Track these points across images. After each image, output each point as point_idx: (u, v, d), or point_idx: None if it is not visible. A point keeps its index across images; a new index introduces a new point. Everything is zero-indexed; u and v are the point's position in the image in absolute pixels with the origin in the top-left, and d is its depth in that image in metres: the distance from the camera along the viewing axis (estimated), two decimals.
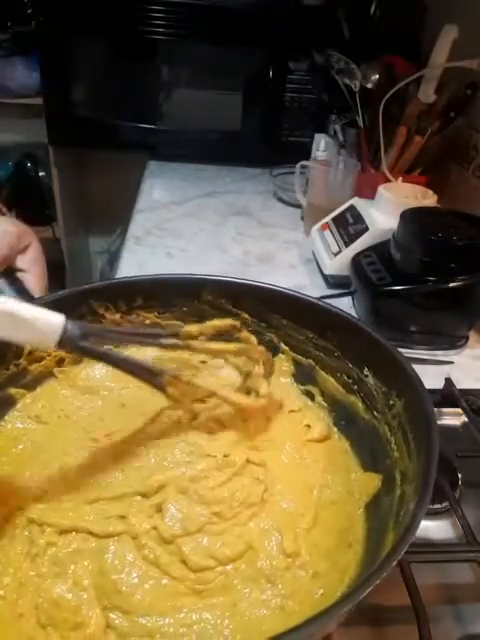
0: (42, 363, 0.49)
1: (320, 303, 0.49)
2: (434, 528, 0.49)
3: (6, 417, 0.46)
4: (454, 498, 0.48)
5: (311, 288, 0.87)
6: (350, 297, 0.82)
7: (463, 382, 0.64)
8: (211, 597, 0.35)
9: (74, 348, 0.38)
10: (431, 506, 0.50)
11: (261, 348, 0.48)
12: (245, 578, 0.36)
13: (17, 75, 1.54)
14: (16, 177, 1.79)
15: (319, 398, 0.51)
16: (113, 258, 1.57)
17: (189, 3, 1.21)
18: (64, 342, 0.36)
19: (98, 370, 0.51)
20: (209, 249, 0.99)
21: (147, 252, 0.97)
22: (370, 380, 0.45)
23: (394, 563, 0.28)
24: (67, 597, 0.34)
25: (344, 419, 0.48)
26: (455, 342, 0.74)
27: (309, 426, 0.48)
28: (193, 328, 0.46)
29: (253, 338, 0.48)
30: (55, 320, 0.36)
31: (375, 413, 0.45)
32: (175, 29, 1.24)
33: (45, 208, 1.76)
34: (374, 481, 0.41)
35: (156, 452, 0.44)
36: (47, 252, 0.53)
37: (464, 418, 0.57)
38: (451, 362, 0.72)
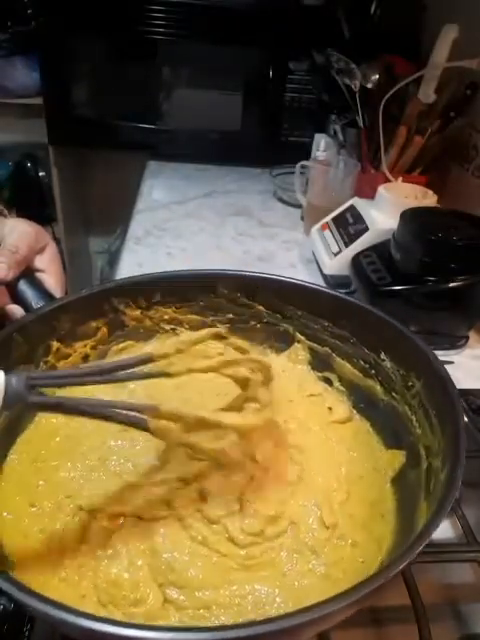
0: (69, 360, 0.50)
1: (333, 292, 0.51)
2: None
3: (40, 413, 0.47)
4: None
5: None
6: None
7: (463, 382, 0.64)
8: (260, 570, 0.37)
9: (25, 404, 0.32)
10: None
11: (253, 356, 0.43)
12: (290, 551, 0.38)
13: (17, 75, 1.54)
14: (16, 177, 1.79)
15: (337, 383, 0.52)
16: (113, 258, 1.57)
17: (189, 3, 1.21)
18: (11, 401, 0.31)
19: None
20: (209, 249, 0.99)
21: (147, 252, 0.97)
22: (387, 364, 0.47)
23: (439, 525, 0.30)
24: (124, 576, 0.36)
25: (363, 402, 0.50)
26: (455, 342, 0.74)
27: (331, 408, 0.50)
28: (168, 346, 0.39)
29: (244, 343, 0.44)
30: None
31: (394, 394, 0.46)
32: (175, 29, 1.24)
33: (45, 208, 1.76)
34: (398, 457, 0.43)
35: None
36: None
37: (464, 418, 0.57)
38: (451, 362, 0.72)
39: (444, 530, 0.49)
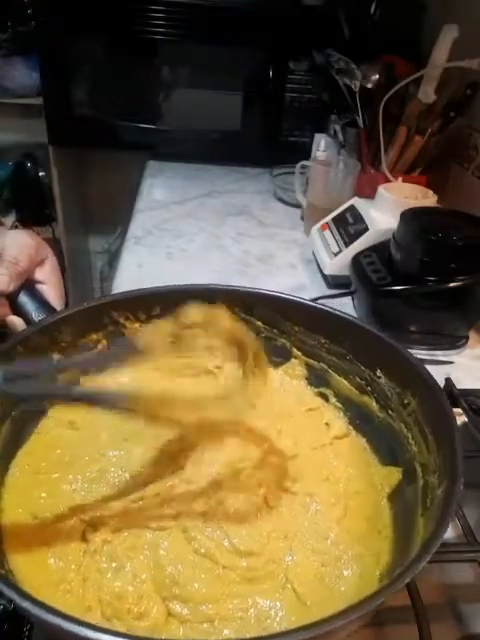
0: (68, 372, 0.49)
1: (330, 310, 0.51)
2: None
3: (40, 425, 0.47)
4: None
5: (311, 288, 0.87)
6: (350, 297, 0.82)
7: (463, 382, 0.64)
8: (262, 583, 0.37)
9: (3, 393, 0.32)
10: None
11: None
12: (292, 564, 0.38)
13: (17, 75, 1.54)
14: (16, 177, 1.79)
15: (333, 399, 0.52)
16: (113, 258, 1.58)
17: (189, 3, 1.21)
18: None
19: (123, 376, 0.52)
20: (209, 249, 0.99)
21: (147, 252, 0.97)
22: (383, 381, 0.47)
23: (440, 541, 0.30)
24: (128, 590, 0.36)
25: (359, 418, 0.50)
26: (455, 342, 0.74)
27: (328, 424, 0.50)
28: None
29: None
30: None
31: (390, 411, 0.46)
32: (175, 29, 1.24)
33: (45, 208, 1.76)
34: (395, 474, 0.44)
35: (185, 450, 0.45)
36: None
37: (464, 418, 0.57)
38: (451, 362, 0.72)
39: None
